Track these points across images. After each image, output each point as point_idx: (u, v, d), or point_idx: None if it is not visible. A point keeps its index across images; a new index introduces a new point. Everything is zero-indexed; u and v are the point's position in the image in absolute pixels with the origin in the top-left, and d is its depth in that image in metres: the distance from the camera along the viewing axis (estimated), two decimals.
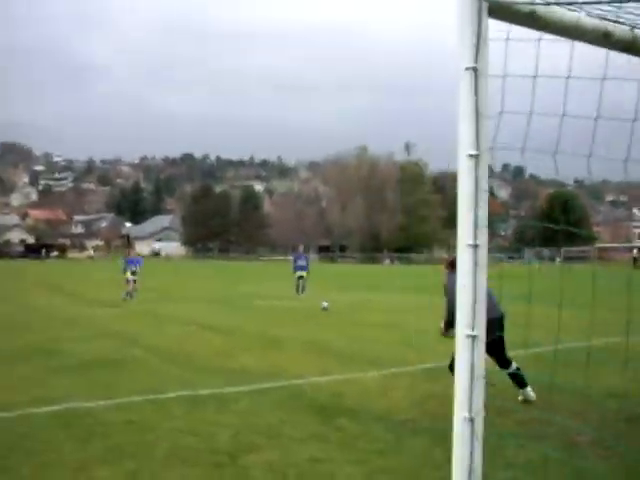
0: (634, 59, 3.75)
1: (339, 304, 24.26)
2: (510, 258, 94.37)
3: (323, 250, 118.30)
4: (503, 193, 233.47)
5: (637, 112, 3.45)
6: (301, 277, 28.54)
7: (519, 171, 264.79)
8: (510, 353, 8.83)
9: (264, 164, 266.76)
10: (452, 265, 8.67)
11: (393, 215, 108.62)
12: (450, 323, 8.54)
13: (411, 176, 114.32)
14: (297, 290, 28.12)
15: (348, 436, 7.62)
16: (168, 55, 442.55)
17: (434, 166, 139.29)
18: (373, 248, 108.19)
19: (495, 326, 8.34)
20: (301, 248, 32.91)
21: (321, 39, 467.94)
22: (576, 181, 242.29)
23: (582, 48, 3.59)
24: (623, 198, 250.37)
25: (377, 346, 14.27)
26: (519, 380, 9.13)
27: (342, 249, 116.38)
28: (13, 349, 13.48)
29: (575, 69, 3.43)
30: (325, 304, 25.77)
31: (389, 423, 8.14)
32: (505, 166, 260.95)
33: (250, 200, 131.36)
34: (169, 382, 10.43)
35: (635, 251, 64.77)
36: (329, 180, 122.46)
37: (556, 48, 3.50)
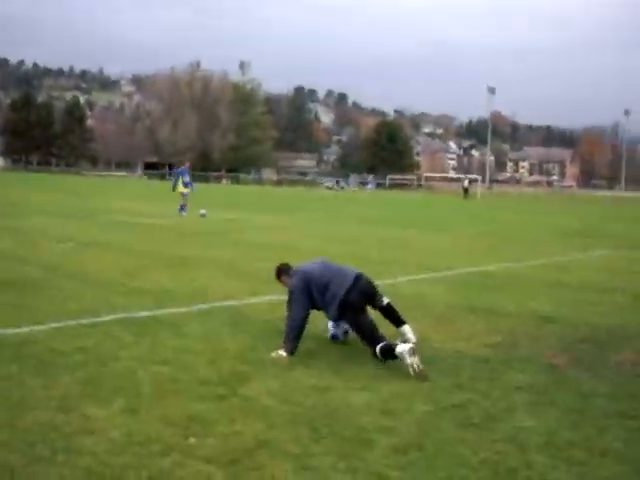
0: None
1: (219, 223, 23.27)
2: (337, 183, 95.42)
3: (150, 167, 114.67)
4: (326, 119, 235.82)
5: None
6: (183, 193, 27.24)
7: (342, 97, 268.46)
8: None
9: (84, 75, 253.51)
10: (285, 270, 7.71)
11: (225, 134, 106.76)
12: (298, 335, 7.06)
13: (244, 96, 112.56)
14: (182, 208, 26.43)
15: (334, 361, 6.84)
16: None
17: (268, 86, 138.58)
18: (203, 167, 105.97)
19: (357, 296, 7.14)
20: (187, 162, 30.93)
21: None
22: (396, 111, 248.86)
23: None
24: (439, 130, 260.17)
25: None
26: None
27: (170, 167, 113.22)
28: None
29: None
30: (203, 211, 24.79)
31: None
32: (329, 92, 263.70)
33: (74, 112, 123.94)
34: (95, 304, 9.14)
35: (466, 182, 67.12)
36: (158, 95, 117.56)
37: None
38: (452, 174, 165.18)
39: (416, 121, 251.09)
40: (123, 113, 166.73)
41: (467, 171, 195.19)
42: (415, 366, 6.44)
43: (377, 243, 18.72)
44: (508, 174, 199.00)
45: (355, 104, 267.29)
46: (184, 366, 6.47)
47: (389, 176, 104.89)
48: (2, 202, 29.15)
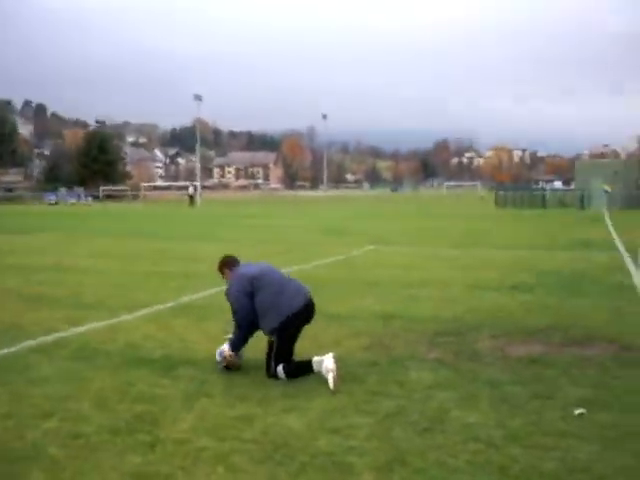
0: None
1: None
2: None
3: None
4: (25, 131, 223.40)
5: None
6: None
7: (41, 108, 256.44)
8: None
9: None
10: (230, 263, 7.32)
11: None
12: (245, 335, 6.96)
13: None
14: None
15: (233, 387, 6.52)
16: None
17: None
18: None
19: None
20: None
21: None
22: (98, 121, 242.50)
23: None
24: (142, 139, 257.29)
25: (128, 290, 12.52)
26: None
27: None
28: None
29: None
30: None
31: None
32: (27, 102, 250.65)
33: None
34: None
35: (191, 189, 66.82)
36: None
37: None
38: (160, 182, 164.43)
39: (118, 130, 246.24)
40: None
41: (175, 179, 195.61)
42: (334, 375, 6.34)
43: (177, 256, 18.13)
44: (215, 180, 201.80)
45: (55, 115, 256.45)
46: (75, 417, 5.72)
47: (102, 187, 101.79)
48: None
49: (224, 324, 8.60)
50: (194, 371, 7.00)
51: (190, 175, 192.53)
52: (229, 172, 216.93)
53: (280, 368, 6.64)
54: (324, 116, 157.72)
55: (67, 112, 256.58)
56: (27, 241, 23.65)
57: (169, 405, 5.97)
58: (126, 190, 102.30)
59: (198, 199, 66.67)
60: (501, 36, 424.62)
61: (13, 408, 5.92)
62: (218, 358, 7.07)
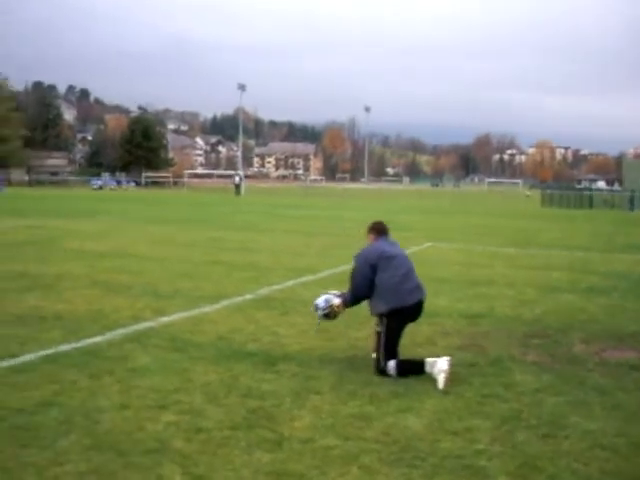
0: None
1: (48, 231, 21.42)
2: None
3: None
4: (69, 116, 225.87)
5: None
6: None
7: (84, 94, 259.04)
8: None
9: None
10: (378, 230, 7.29)
11: None
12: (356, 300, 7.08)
13: None
14: None
15: (338, 385, 6.50)
16: None
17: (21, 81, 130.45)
18: None
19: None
20: None
21: None
22: (140, 107, 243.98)
23: None
24: (184, 127, 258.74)
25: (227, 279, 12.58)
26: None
27: None
28: None
29: None
30: None
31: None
32: (70, 88, 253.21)
33: None
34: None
35: (237, 179, 66.89)
36: None
37: None
38: (200, 170, 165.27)
39: (160, 117, 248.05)
40: None
41: (215, 167, 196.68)
42: (446, 376, 6.30)
43: (236, 247, 18.12)
44: (255, 169, 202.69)
45: (98, 100, 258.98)
46: (190, 410, 5.72)
47: (145, 174, 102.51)
48: None
49: (311, 318, 8.58)
50: (295, 366, 6.98)
51: (230, 164, 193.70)
52: (269, 162, 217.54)
53: (392, 364, 6.62)
54: (367, 108, 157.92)
55: (109, 98, 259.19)
56: (82, 226, 23.79)
57: (281, 401, 5.96)
58: (168, 177, 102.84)
59: (242, 188, 66.75)
60: (548, 33, 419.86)
61: (125, 399, 5.94)
62: (322, 304, 7.11)
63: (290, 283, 12.09)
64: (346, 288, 7.09)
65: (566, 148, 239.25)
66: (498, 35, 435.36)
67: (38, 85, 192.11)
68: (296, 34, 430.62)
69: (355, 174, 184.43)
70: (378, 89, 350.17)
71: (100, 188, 79.79)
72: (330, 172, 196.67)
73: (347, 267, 14.08)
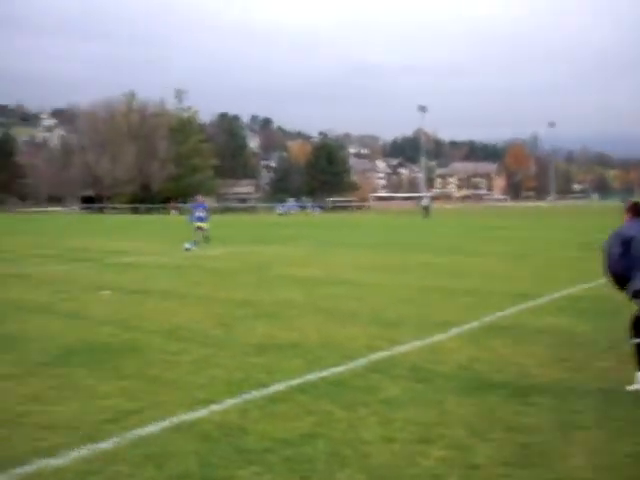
0: None
1: (237, 258, 22.31)
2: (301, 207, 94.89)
3: (87, 201, 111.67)
4: (253, 144, 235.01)
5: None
6: (200, 228, 27.09)
7: (267, 122, 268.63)
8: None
9: (3, 110, 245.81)
10: (635, 211, 7.22)
11: (164, 165, 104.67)
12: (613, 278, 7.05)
13: (181, 124, 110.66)
14: (196, 243, 26.03)
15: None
16: None
17: (206, 113, 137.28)
18: (142, 199, 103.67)
19: None
20: (200, 197, 31.08)
21: None
22: (321, 133, 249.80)
23: None
24: (364, 150, 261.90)
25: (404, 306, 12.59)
26: None
27: (105, 200, 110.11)
28: None
29: None
30: (187, 245, 24.38)
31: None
32: (254, 117, 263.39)
33: (4, 147, 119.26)
34: (244, 370, 8.27)
35: (426, 201, 66.67)
36: (93, 127, 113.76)
37: None
38: (383, 193, 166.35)
39: (340, 142, 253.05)
40: (47, 147, 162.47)
41: (397, 189, 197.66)
42: None
43: (445, 271, 17.92)
44: (437, 190, 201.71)
45: (280, 128, 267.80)
46: (457, 445, 5.60)
47: (330, 198, 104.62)
48: None
49: (551, 349, 8.31)
50: (550, 399, 6.70)
51: (412, 186, 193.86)
52: (451, 182, 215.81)
53: None
54: (551, 123, 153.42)
55: (291, 125, 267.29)
56: (284, 251, 24.55)
57: (547, 437, 5.71)
58: (353, 201, 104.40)
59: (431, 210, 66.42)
60: None
61: (387, 431, 5.90)
62: None
63: (513, 310, 11.74)
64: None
65: None
66: None
67: (223, 116, 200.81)
68: (474, 53, 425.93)
69: (540, 192, 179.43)
70: (559, 103, 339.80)
71: (285, 214, 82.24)
72: (513, 191, 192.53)
73: (570, 291, 13.73)
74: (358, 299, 13.13)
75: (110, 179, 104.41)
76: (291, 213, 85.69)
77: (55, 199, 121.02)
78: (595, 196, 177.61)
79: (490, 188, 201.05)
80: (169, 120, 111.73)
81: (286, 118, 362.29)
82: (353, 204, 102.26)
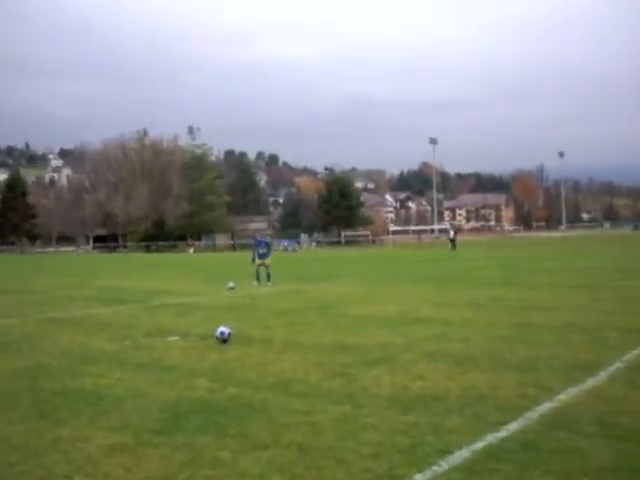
0: None
1: (290, 297, 21.19)
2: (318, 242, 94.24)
3: (99, 240, 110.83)
4: (260, 180, 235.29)
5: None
6: (262, 265, 26.51)
7: (273, 159, 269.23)
8: None
9: (10, 151, 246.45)
10: None
11: (178, 202, 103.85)
12: None
13: (195, 161, 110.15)
14: (258, 279, 25.93)
15: None
16: None
17: (220, 150, 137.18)
18: (154, 236, 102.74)
19: None
20: (259, 235, 31.29)
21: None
22: (327, 168, 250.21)
23: None
24: (370, 185, 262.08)
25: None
26: None
27: (119, 239, 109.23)
28: None
29: None
30: (231, 284, 24.13)
31: None
32: (260, 154, 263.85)
33: (15, 187, 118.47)
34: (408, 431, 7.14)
35: (452, 233, 65.43)
36: (106, 165, 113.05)
37: None
38: (392, 227, 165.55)
39: (348, 177, 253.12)
40: (55, 187, 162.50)
41: (406, 223, 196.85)
42: None
43: (525, 305, 16.73)
44: (447, 223, 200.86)
45: (286, 164, 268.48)
46: None
47: (344, 232, 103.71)
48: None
49: None
50: None
51: (421, 219, 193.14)
52: (459, 214, 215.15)
53: None
54: (561, 153, 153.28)
55: (297, 161, 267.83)
56: (333, 289, 23.63)
57: None
58: (367, 235, 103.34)
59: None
60: None
61: None
62: None
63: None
64: None
65: None
66: None
67: (230, 153, 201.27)
68: (476, 86, 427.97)
69: (550, 222, 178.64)
70: (561, 135, 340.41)
71: (285, 250, 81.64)
72: (523, 221, 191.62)
73: None
74: (460, 340, 11.94)
75: (124, 217, 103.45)
76: (292, 249, 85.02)
77: (65, 238, 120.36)
78: (607, 225, 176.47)
79: (499, 219, 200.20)
80: (182, 157, 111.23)
81: (292, 154, 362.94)
82: (369, 238, 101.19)
